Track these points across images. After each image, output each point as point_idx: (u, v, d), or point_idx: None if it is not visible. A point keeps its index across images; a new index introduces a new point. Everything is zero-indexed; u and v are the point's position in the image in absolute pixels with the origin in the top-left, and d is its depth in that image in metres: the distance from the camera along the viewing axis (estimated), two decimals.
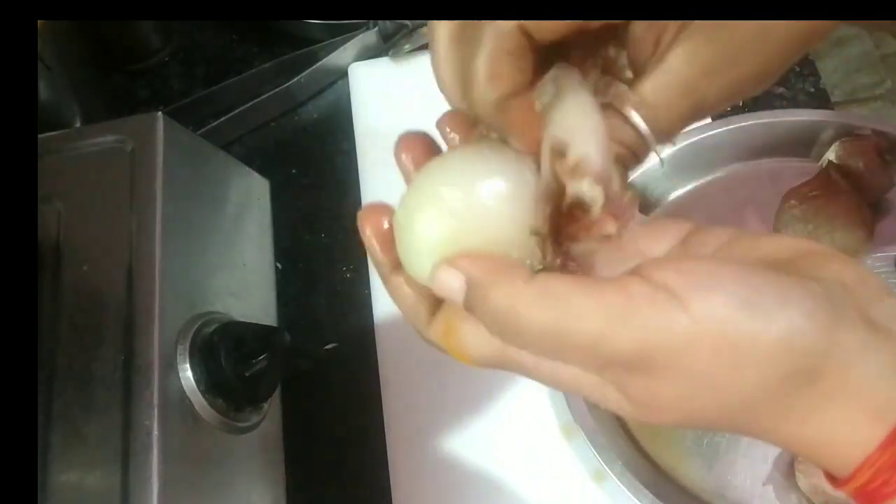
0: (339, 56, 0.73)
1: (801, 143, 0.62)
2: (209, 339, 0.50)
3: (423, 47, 0.72)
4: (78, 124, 0.67)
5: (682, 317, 0.23)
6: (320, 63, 0.72)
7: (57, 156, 0.53)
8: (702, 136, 0.62)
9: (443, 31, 0.29)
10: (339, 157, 0.71)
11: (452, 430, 0.58)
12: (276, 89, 0.71)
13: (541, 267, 0.26)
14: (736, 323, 0.23)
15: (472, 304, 0.26)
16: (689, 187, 0.63)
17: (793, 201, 0.57)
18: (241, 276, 0.59)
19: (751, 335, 0.23)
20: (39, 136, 0.53)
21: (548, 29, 0.25)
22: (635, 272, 0.25)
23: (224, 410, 0.50)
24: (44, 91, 0.64)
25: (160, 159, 0.51)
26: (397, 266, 0.29)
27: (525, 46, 0.26)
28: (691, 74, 0.26)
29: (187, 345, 0.48)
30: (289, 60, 0.74)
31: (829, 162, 0.59)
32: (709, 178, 0.64)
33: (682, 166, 0.62)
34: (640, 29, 0.26)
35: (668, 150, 0.61)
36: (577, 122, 0.25)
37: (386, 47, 0.73)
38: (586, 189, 0.25)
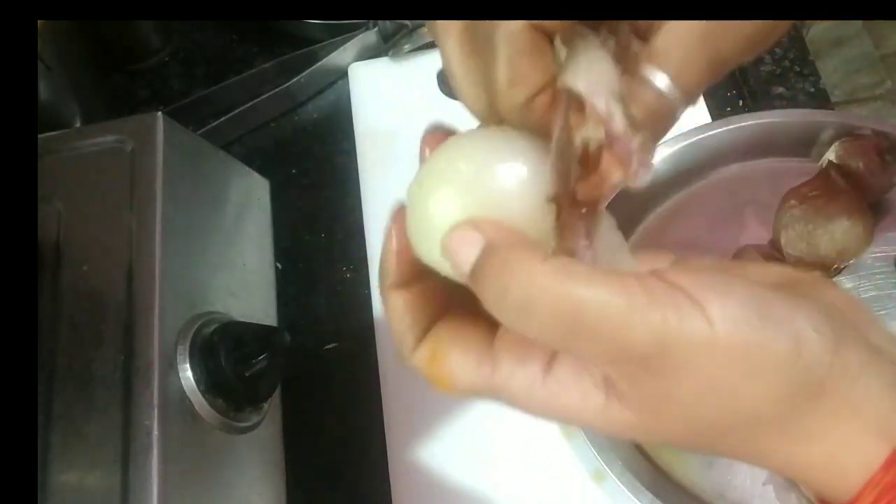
0: (339, 56, 0.73)
1: (801, 143, 0.62)
2: (209, 339, 0.50)
3: (423, 47, 0.72)
4: (78, 124, 0.67)
5: (699, 317, 0.23)
6: (320, 63, 0.72)
7: (57, 156, 0.53)
8: (702, 136, 0.62)
9: (452, 42, 0.28)
10: (339, 157, 0.71)
11: (452, 430, 0.58)
12: (276, 89, 0.71)
13: (555, 245, 0.25)
14: (749, 329, 0.23)
15: (484, 273, 0.24)
16: (689, 187, 0.63)
17: (793, 201, 0.57)
18: (241, 276, 0.59)
19: (763, 343, 0.23)
20: (39, 136, 0.53)
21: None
22: (648, 273, 0.24)
23: (224, 410, 0.50)
24: (44, 91, 0.64)
25: (160, 159, 0.51)
26: (402, 283, 0.28)
27: (540, 42, 0.25)
28: (702, 24, 0.25)
29: (187, 345, 0.48)
30: (289, 60, 0.73)
31: (829, 162, 0.59)
32: (709, 178, 0.64)
33: (682, 166, 0.62)
34: None
35: (667, 152, 0.61)
36: (583, 67, 0.25)
37: (386, 47, 0.73)
38: (591, 132, 0.24)
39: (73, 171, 0.52)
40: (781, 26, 0.27)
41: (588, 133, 0.24)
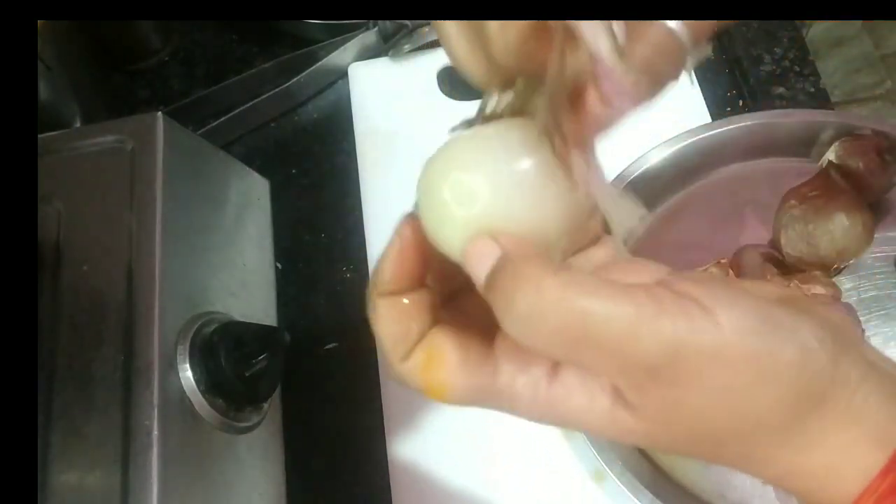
0: (339, 56, 0.73)
1: (801, 143, 0.62)
2: (209, 339, 0.50)
3: (423, 47, 0.72)
4: (78, 124, 0.67)
5: (709, 325, 0.23)
6: (320, 63, 0.72)
7: (57, 156, 0.53)
8: (702, 136, 0.62)
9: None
10: (339, 157, 0.71)
11: (452, 430, 0.58)
12: (276, 89, 0.71)
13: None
14: (759, 338, 0.23)
15: (496, 285, 0.24)
16: (689, 187, 0.63)
17: (793, 201, 0.57)
18: (241, 276, 0.59)
19: (771, 351, 0.23)
20: (39, 136, 0.53)
21: None
22: (655, 283, 0.25)
23: (224, 410, 0.50)
24: (44, 91, 0.64)
25: (160, 159, 0.51)
26: (399, 291, 0.28)
27: None
28: None
29: (187, 345, 0.48)
30: (289, 60, 0.73)
31: (829, 162, 0.59)
32: (709, 178, 0.64)
33: (682, 166, 0.62)
34: None
35: (667, 152, 0.61)
36: None
37: (386, 47, 0.73)
38: (579, 60, 0.23)
39: (73, 171, 0.52)
40: None
41: (579, 65, 0.24)
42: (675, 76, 0.26)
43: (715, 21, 0.26)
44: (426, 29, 0.71)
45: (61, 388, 0.46)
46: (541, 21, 0.24)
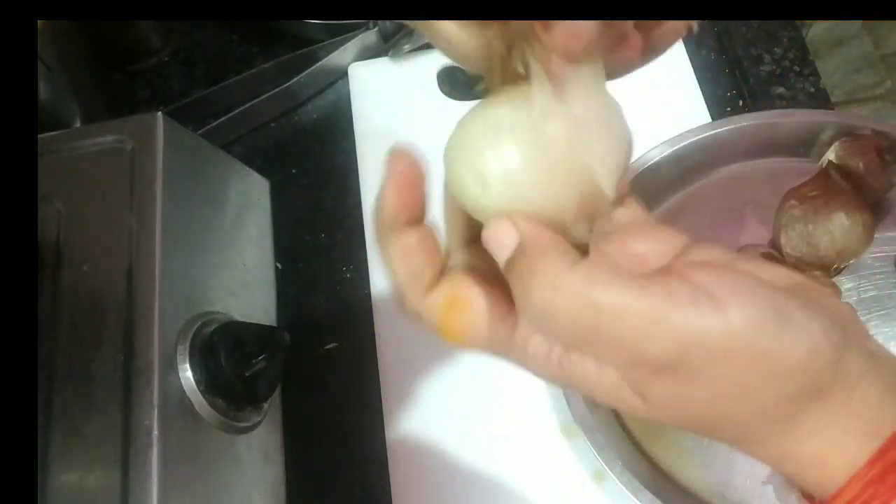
0: (339, 56, 0.73)
1: (801, 143, 0.62)
2: (209, 339, 0.50)
3: (423, 47, 0.72)
4: (78, 124, 0.67)
5: (720, 321, 0.23)
6: (320, 63, 0.72)
7: (57, 156, 0.53)
8: (702, 135, 0.62)
9: None
10: (339, 157, 0.71)
11: (452, 429, 0.58)
12: (276, 89, 0.71)
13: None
14: (768, 336, 0.24)
15: (515, 272, 0.25)
16: (689, 187, 0.63)
17: (793, 201, 0.57)
18: (241, 276, 0.59)
19: (781, 348, 0.24)
20: (39, 136, 0.53)
21: None
22: (670, 271, 0.25)
23: (224, 410, 0.50)
24: (44, 91, 0.64)
25: (160, 159, 0.51)
26: (409, 222, 0.27)
27: None
28: None
29: (187, 345, 0.48)
30: (289, 60, 0.73)
31: (829, 162, 0.59)
32: (709, 178, 0.64)
33: (682, 166, 0.62)
34: None
35: (667, 152, 0.61)
36: None
37: (386, 47, 0.73)
38: None
39: (73, 171, 0.52)
40: None
41: None
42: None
43: None
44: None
45: (61, 388, 0.46)
46: None
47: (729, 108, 0.70)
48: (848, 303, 0.52)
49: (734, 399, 0.25)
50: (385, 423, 0.59)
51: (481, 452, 0.57)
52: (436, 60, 0.71)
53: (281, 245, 0.67)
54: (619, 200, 0.31)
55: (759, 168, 0.63)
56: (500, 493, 0.56)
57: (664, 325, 0.23)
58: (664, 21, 0.27)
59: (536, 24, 0.24)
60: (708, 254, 0.29)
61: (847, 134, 0.59)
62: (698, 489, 0.52)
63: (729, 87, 0.71)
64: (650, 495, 0.49)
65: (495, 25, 0.26)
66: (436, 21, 0.27)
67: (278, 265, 0.66)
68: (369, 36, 0.73)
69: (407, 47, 0.72)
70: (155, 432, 0.44)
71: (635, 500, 0.49)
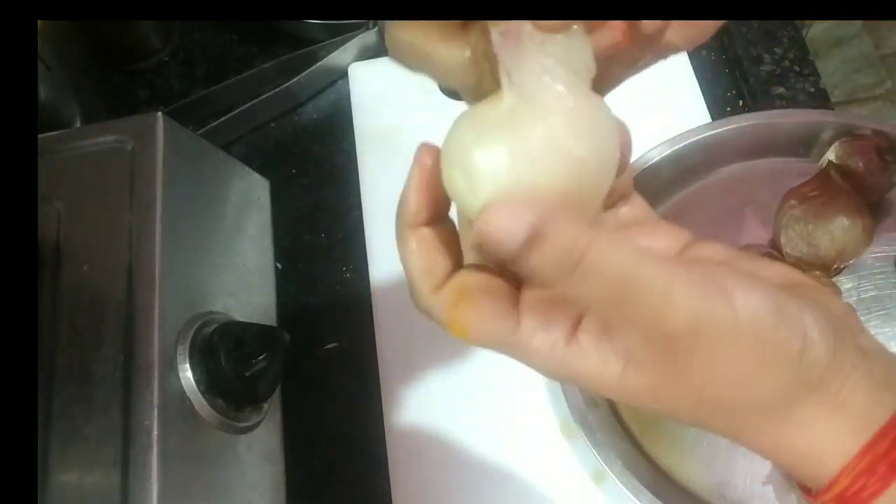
0: (339, 56, 0.73)
1: (801, 143, 0.62)
2: (209, 339, 0.50)
3: None
4: (78, 124, 0.67)
5: (727, 307, 0.25)
6: (320, 63, 0.72)
7: (57, 156, 0.53)
8: (702, 136, 0.62)
9: (410, 35, 0.29)
10: (339, 157, 0.71)
11: (452, 430, 0.58)
12: (276, 89, 0.71)
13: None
14: (769, 324, 0.25)
15: (545, 237, 0.24)
16: (689, 187, 0.63)
17: (793, 201, 0.57)
18: (241, 276, 0.59)
19: (778, 339, 0.25)
20: (39, 136, 0.53)
21: None
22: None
23: (224, 410, 0.50)
24: (44, 91, 0.64)
25: (160, 159, 0.51)
26: (426, 222, 0.28)
27: None
28: None
29: (187, 345, 0.48)
30: (289, 60, 0.73)
31: (829, 162, 0.59)
32: (709, 178, 0.64)
33: (682, 166, 0.62)
34: None
35: (668, 152, 0.61)
36: None
37: (386, 47, 0.73)
38: None
39: (73, 171, 0.52)
40: None
41: None
42: None
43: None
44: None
45: (61, 388, 0.46)
46: None
47: (729, 108, 0.70)
48: (845, 302, 0.53)
49: (733, 380, 0.26)
50: (385, 423, 0.59)
51: (481, 452, 0.57)
52: None
53: (281, 245, 0.67)
54: (624, 197, 0.32)
55: (759, 168, 0.63)
56: (500, 493, 0.56)
57: (684, 298, 0.24)
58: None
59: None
60: (710, 250, 0.30)
61: (847, 134, 0.59)
62: (698, 489, 0.52)
63: (729, 87, 0.71)
64: (650, 495, 0.49)
65: (477, 30, 0.27)
66: (421, 45, 0.28)
67: (278, 265, 0.66)
68: (369, 36, 0.73)
69: None
70: (155, 432, 0.44)
71: (635, 500, 0.49)
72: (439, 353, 0.60)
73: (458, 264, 0.29)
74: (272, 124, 0.74)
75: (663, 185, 0.62)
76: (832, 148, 0.59)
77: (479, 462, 0.57)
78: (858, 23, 1.52)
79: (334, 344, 0.63)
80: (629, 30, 0.28)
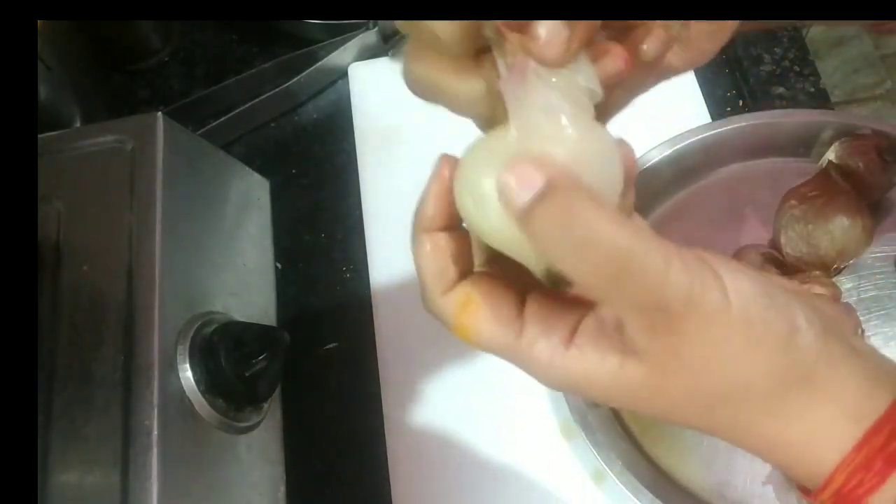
0: (339, 56, 0.73)
1: (801, 143, 0.62)
2: (209, 339, 0.50)
3: None
4: (78, 124, 0.67)
5: (718, 289, 0.26)
6: (320, 63, 0.72)
7: (57, 156, 0.53)
8: (702, 136, 0.62)
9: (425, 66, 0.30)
10: (339, 157, 0.71)
11: (452, 430, 0.58)
12: (276, 89, 0.71)
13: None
14: (756, 306, 0.26)
15: (545, 209, 0.24)
16: (689, 187, 0.63)
17: (793, 201, 0.57)
18: (241, 276, 0.59)
19: (765, 321, 0.26)
20: (39, 136, 0.53)
21: None
22: None
23: (224, 410, 0.50)
24: (44, 91, 0.64)
25: (160, 159, 0.51)
26: (441, 227, 0.29)
27: None
28: None
29: (187, 345, 0.48)
30: (289, 60, 0.73)
31: (829, 162, 0.59)
32: (709, 178, 0.64)
33: (682, 166, 0.62)
34: None
35: (667, 152, 0.61)
36: None
37: (386, 47, 0.73)
38: None
39: (73, 171, 0.52)
40: None
41: None
42: None
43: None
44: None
45: (61, 388, 0.46)
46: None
47: (729, 108, 0.70)
48: (845, 302, 0.53)
49: (724, 364, 0.26)
50: (385, 423, 0.59)
51: (481, 452, 0.57)
52: None
53: (281, 245, 0.67)
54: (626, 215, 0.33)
55: (759, 168, 0.63)
56: (500, 493, 0.56)
57: (678, 276, 0.25)
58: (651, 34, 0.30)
59: (503, 24, 0.26)
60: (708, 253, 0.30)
61: (847, 134, 0.59)
62: (698, 489, 0.52)
63: (729, 87, 0.71)
64: (650, 495, 0.49)
65: (489, 63, 0.28)
66: (435, 79, 0.29)
67: (278, 265, 0.66)
68: (369, 36, 0.73)
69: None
70: (155, 432, 0.44)
71: (635, 500, 0.49)
72: (439, 354, 0.60)
73: (468, 271, 0.30)
74: (272, 124, 0.74)
75: (663, 185, 0.62)
76: (832, 148, 0.59)
77: (480, 462, 0.57)
78: (858, 23, 1.52)
79: (334, 344, 0.63)
80: (631, 58, 0.29)
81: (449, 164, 0.29)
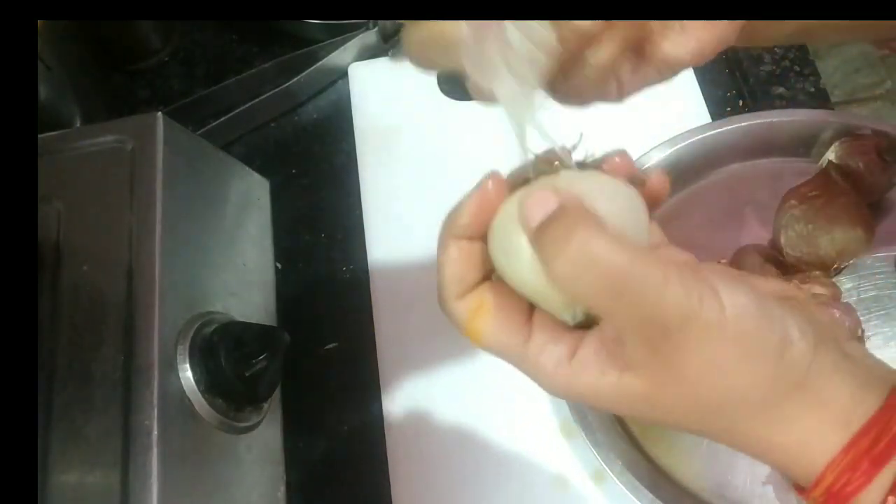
0: (339, 56, 0.73)
1: (801, 143, 0.62)
2: (209, 339, 0.50)
3: None
4: (78, 124, 0.67)
5: (715, 304, 0.27)
6: (320, 63, 0.72)
7: (57, 156, 0.53)
8: (702, 136, 0.62)
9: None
10: (339, 157, 0.71)
11: (452, 430, 0.58)
12: (276, 89, 0.71)
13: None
14: (750, 319, 0.27)
15: (552, 228, 0.27)
16: (689, 187, 0.63)
17: (793, 201, 0.57)
18: (241, 276, 0.59)
19: (759, 332, 0.27)
20: (39, 136, 0.53)
21: None
22: None
23: (224, 410, 0.50)
24: (44, 91, 0.64)
25: (160, 159, 0.51)
26: (468, 236, 0.31)
27: None
28: None
29: (187, 345, 0.48)
30: (289, 60, 0.74)
31: (829, 162, 0.59)
32: (709, 178, 0.64)
33: (682, 166, 0.62)
34: None
35: (667, 152, 0.62)
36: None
37: (386, 47, 0.73)
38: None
39: (73, 171, 0.52)
40: None
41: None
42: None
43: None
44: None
45: (61, 388, 0.46)
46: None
47: (729, 108, 0.70)
48: (843, 311, 0.53)
49: (720, 375, 0.27)
50: (385, 423, 0.59)
51: (481, 452, 0.57)
52: None
53: (281, 245, 0.67)
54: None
55: (759, 168, 0.63)
56: (500, 493, 0.56)
57: (675, 293, 0.26)
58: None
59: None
60: (709, 267, 0.32)
61: (847, 134, 0.59)
62: (698, 489, 0.52)
63: (729, 87, 0.71)
64: (650, 495, 0.49)
65: None
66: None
67: (278, 265, 0.66)
68: (369, 36, 0.73)
69: None
70: (155, 432, 0.44)
71: (635, 500, 0.49)
72: (439, 354, 0.60)
73: (484, 278, 0.32)
74: (272, 124, 0.74)
75: None
76: (832, 148, 0.59)
77: (480, 462, 0.57)
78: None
79: (334, 344, 0.63)
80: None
81: (495, 183, 0.30)
